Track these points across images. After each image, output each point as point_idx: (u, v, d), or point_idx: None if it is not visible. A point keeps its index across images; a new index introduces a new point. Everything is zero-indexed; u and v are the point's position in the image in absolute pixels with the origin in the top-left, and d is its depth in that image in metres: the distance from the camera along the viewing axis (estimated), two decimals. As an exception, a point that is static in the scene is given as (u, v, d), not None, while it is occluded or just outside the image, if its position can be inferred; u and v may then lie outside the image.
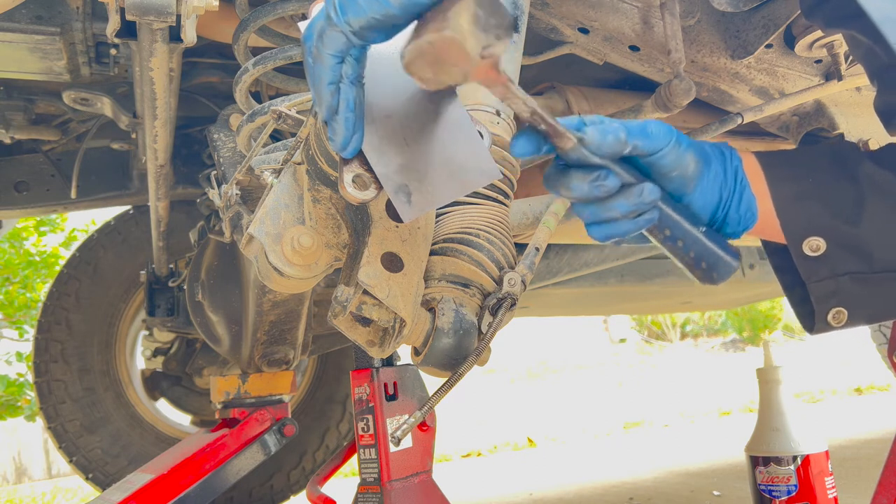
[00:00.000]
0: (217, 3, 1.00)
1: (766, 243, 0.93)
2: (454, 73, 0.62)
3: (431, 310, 0.86)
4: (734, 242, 0.84)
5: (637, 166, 0.78)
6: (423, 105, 0.75)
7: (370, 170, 0.74)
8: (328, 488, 1.90)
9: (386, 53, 0.75)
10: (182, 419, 2.82)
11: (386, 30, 0.66)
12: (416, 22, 0.68)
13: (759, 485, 1.42)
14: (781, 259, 0.90)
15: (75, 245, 4.83)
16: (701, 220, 0.81)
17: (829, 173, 0.84)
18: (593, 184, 0.73)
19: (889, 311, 0.86)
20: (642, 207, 0.75)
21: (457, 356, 0.84)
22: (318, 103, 0.70)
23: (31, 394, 5.04)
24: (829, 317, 0.86)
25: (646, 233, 0.79)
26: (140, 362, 2.83)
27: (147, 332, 2.56)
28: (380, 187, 0.74)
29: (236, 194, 1.08)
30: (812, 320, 0.87)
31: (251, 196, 1.11)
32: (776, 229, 0.84)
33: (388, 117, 0.75)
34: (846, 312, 0.85)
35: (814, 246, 0.83)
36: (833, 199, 0.83)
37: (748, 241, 0.89)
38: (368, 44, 0.69)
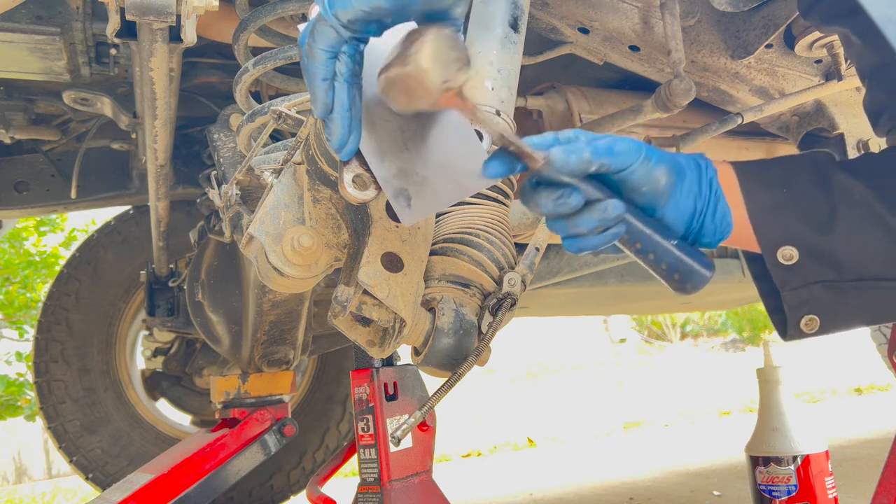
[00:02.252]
0: (217, 3, 1.00)
1: (744, 252, 0.95)
2: (422, 102, 0.68)
3: (431, 310, 0.86)
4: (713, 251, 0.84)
5: (608, 182, 0.79)
6: None
7: (370, 169, 0.74)
8: (328, 488, 1.90)
9: (385, 56, 0.75)
10: (182, 419, 2.82)
11: (375, 23, 0.67)
12: (414, 23, 0.68)
13: (759, 485, 1.42)
14: (758, 267, 0.91)
15: (75, 245, 4.83)
16: (675, 232, 0.82)
17: (803, 183, 0.86)
18: (557, 201, 0.75)
19: (860, 318, 0.87)
20: (607, 223, 0.77)
21: (457, 356, 0.84)
22: (312, 101, 0.71)
23: (31, 394, 5.03)
24: (802, 324, 0.87)
25: (619, 245, 0.81)
26: (140, 362, 2.83)
27: (147, 332, 2.56)
28: (380, 188, 0.74)
29: (236, 194, 1.08)
30: (786, 327, 0.88)
31: (251, 196, 1.11)
32: (751, 238, 0.86)
33: (388, 121, 0.75)
34: (818, 320, 0.86)
35: (787, 255, 0.84)
36: (806, 209, 0.84)
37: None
38: (360, 38, 0.69)
